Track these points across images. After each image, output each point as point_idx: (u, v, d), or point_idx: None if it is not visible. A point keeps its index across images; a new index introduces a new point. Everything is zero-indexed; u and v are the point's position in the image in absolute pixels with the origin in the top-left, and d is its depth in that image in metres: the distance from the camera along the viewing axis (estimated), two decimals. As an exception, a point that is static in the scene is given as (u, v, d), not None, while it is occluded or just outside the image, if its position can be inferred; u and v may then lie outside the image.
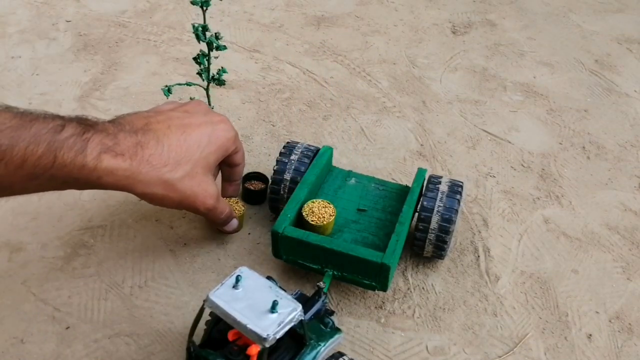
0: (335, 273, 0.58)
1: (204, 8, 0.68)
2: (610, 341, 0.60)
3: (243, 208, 0.65)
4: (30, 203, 0.70)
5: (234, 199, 0.65)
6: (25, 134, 0.40)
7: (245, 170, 0.73)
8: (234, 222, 0.62)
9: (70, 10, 1.08)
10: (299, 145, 0.68)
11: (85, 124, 0.44)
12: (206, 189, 0.53)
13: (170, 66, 0.95)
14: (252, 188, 0.71)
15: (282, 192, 0.65)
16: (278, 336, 0.43)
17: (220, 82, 0.81)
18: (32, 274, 0.62)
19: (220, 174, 0.64)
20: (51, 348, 0.56)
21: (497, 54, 1.05)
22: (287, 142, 0.68)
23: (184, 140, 0.50)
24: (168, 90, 0.82)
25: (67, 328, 0.57)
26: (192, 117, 0.54)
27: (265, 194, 0.71)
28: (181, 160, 0.50)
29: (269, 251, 0.63)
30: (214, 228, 0.66)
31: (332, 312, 0.55)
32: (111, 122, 0.49)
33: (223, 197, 0.64)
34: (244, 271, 0.47)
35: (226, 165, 0.61)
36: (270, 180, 0.66)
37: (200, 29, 0.69)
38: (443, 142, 0.84)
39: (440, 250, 0.62)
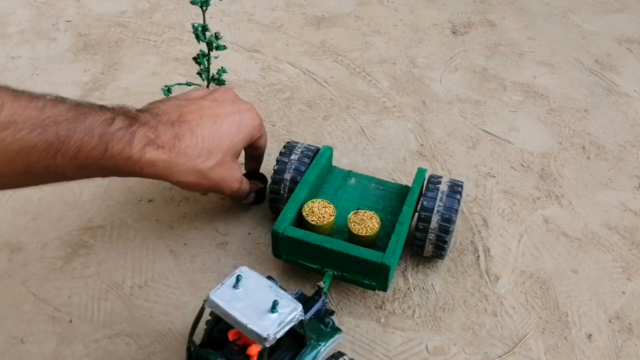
0: (335, 273, 0.58)
1: (204, 8, 0.68)
2: (610, 341, 0.60)
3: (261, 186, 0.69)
4: (30, 203, 0.70)
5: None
6: (80, 127, 0.43)
7: (245, 171, 0.73)
8: (251, 197, 0.67)
9: (70, 10, 1.08)
10: (299, 145, 0.68)
11: (129, 117, 0.48)
12: (233, 174, 0.59)
13: (170, 66, 0.95)
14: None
15: (282, 192, 0.65)
16: (278, 336, 0.43)
17: (220, 82, 0.81)
18: (32, 274, 0.62)
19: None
20: (51, 348, 0.56)
21: (497, 54, 1.05)
22: (287, 142, 0.68)
23: (215, 130, 0.55)
24: (168, 90, 0.82)
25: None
26: (221, 106, 0.58)
27: (265, 194, 0.71)
28: (213, 150, 0.55)
29: (269, 251, 0.63)
30: (237, 203, 0.71)
31: (332, 312, 0.55)
32: (148, 112, 0.52)
33: (246, 170, 0.70)
34: (244, 271, 0.47)
35: (250, 147, 0.65)
36: (270, 180, 0.66)
37: (200, 29, 0.69)
38: (443, 142, 0.84)
39: (440, 250, 0.62)
